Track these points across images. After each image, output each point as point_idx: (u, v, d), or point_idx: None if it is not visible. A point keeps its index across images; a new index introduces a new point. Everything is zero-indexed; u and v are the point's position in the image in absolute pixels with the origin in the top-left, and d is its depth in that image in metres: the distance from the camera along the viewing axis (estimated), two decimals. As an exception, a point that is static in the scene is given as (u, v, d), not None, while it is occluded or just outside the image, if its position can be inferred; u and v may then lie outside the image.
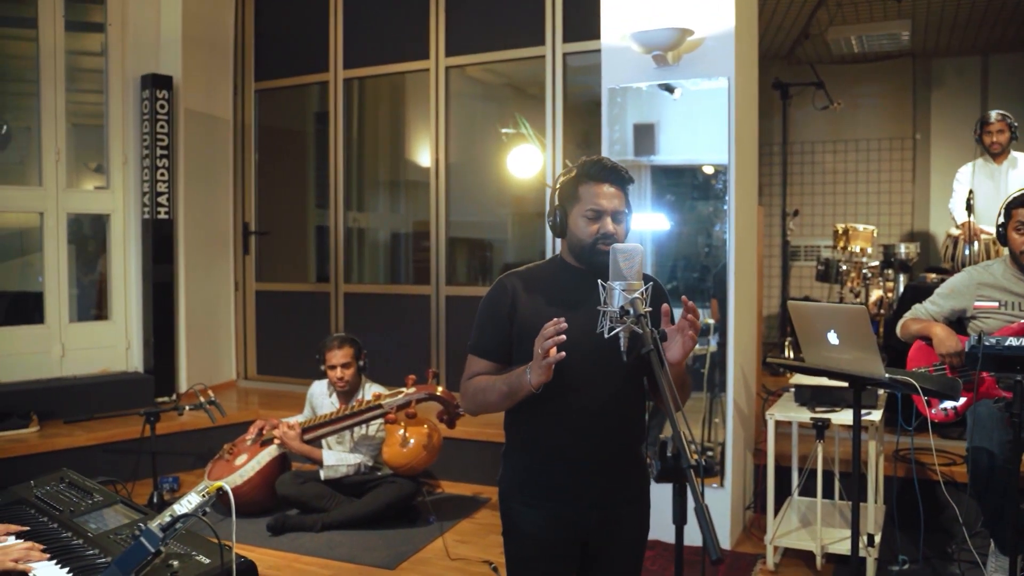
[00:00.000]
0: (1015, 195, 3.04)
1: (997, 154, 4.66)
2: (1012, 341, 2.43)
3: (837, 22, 6.51)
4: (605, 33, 3.63)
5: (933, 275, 4.71)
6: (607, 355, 1.68)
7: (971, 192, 4.51)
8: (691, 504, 1.38)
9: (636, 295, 1.59)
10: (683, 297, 1.70)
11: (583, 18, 4.61)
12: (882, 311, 5.59)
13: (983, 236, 4.51)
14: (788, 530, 3.32)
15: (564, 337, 1.62)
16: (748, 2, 3.78)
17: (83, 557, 1.91)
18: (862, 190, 7.57)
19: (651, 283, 1.74)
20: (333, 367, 3.89)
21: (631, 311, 1.58)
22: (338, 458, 3.87)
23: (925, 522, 3.15)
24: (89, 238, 5.45)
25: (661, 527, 2.21)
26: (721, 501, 3.48)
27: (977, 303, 3.07)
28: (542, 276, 1.91)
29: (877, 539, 3.05)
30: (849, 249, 5.70)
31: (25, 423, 4.43)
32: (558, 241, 1.96)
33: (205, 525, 1.76)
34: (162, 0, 5.42)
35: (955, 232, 4.76)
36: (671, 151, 3.67)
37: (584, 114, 4.89)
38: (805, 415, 3.20)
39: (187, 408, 4.18)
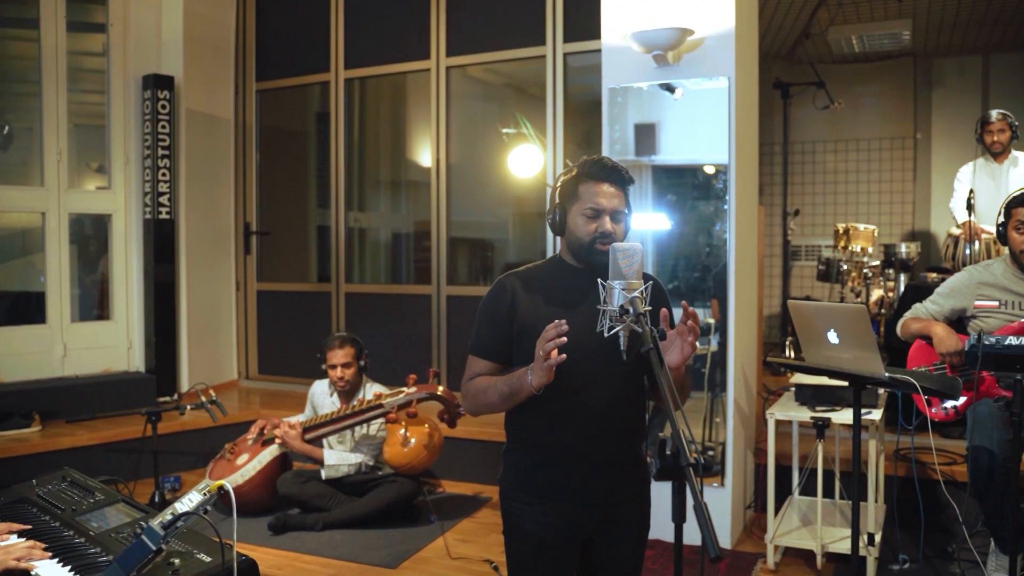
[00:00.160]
0: (1015, 194, 3.04)
1: (998, 153, 4.66)
2: (1012, 340, 2.43)
3: (838, 22, 6.51)
4: (605, 33, 3.64)
5: (934, 275, 4.71)
6: (607, 354, 1.68)
7: (972, 191, 4.51)
8: (690, 502, 1.39)
9: (636, 294, 1.60)
10: (683, 303, 1.70)
11: (584, 18, 4.61)
12: (883, 311, 5.59)
13: (984, 235, 4.51)
14: (788, 529, 3.33)
15: (565, 340, 1.62)
16: (748, 2, 3.78)
17: (85, 555, 1.92)
18: (863, 190, 7.57)
19: (651, 282, 1.74)
20: (334, 367, 3.90)
21: (630, 310, 1.58)
22: (339, 457, 3.88)
23: (925, 521, 3.16)
24: (91, 238, 5.46)
25: (661, 526, 2.22)
26: (722, 500, 3.48)
27: (977, 302, 3.07)
28: (541, 276, 1.92)
29: (877, 538, 3.05)
30: (850, 249, 5.70)
31: (27, 423, 4.44)
32: (559, 241, 1.96)
33: (206, 524, 1.76)
34: (163, 1, 5.43)
35: (956, 232, 4.76)
36: (672, 151, 3.67)
37: (585, 114, 4.89)
38: (805, 414, 3.20)
39: (188, 408, 4.19)
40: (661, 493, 1.79)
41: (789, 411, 3.26)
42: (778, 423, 3.29)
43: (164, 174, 5.28)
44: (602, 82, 3.66)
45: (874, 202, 7.52)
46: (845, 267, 5.72)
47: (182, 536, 1.88)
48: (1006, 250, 3.07)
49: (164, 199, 5.29)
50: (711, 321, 3.54)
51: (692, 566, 3.13)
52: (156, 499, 4.01)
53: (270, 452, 3.99)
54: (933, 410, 3.04)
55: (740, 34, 3.50)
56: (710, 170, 3.59)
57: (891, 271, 5.69)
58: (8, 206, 5.06)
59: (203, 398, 4.11)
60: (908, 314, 3.26)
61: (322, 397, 4.06)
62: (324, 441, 3.93)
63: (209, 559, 1.80)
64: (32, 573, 1.86)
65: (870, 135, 7.53)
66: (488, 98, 5.65)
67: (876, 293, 5.71)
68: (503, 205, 5.56)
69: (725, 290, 3.50)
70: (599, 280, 1.65)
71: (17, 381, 4.82)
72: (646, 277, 1.76)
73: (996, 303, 3.03)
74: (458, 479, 4.49)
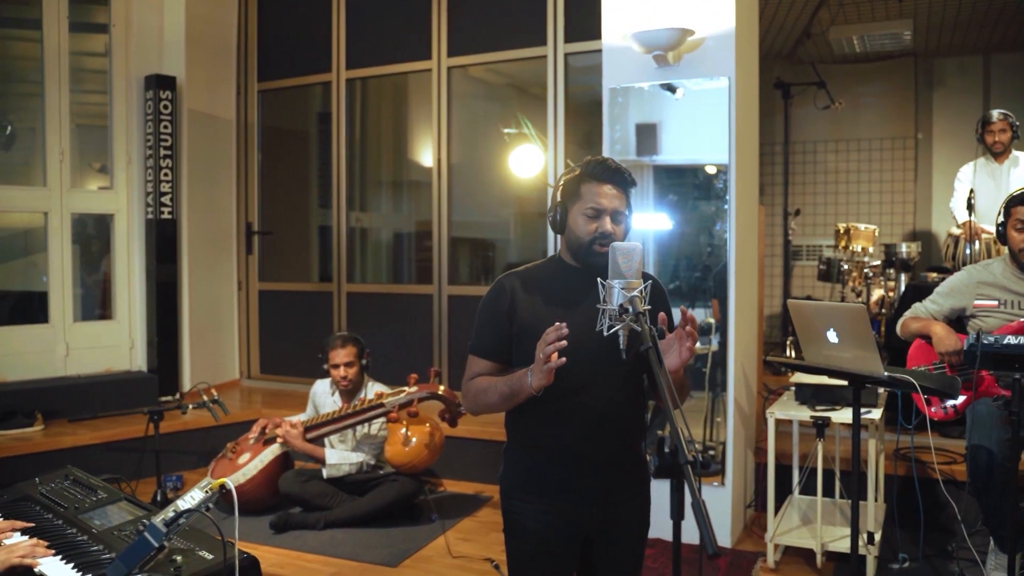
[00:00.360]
0: (1015, 194, 3.04)
1: (999, 153, 4.66)
2: (1011, 339, 2.43)
3: (839, 22, 6.51)
4: (606, 33, 3.64)
5: (934, 274, 4.71)
6: (607, 354, 1.69)
7: (972, 191, 4.51)
8: (689, 500, 1.40)
9: (635, 293, 1.60)
10: (682, 307, 1.71)
11: (584, 18, 4.62)
12: (883, 310, 5.59)
13: (984, 235, 4.51)
14: (788, 528, 3.33)
15: (565, 343, 1.63)
16: (749, 2, 3.78)
17: (88, 553, 1.93)
18: (864, 189, 7.57)
19: (650, 281, 1.75)
20: (336, 366, 3.91)
21: (630, 309, 1.59)
22: (340, 456, 3.89)
23: (925, 520, 3.16)
24: (93, 238, 5.47)
25: (661, 525, 2.21)
26: (722, 499, 3.49)
27: (976, 302, 3.07)
28: (540, 276, 1.93)
29: (877, 537, 3.06)
30: (851, 248, 5.70)
31: (30, 422, 4.46)
32: (559, 241, 1.97)
33: (209, 522, 1.76)
34: (165, 1, 5.44)
35: (956, 231, 4.76)
36: (673, 151, 3.68)
37: (586, 114, 4.90)
38: (805, 414, 3.21)
39: (191, 407, 4.19)
40: (660, 491, 1.80)
41: (789, 410, 3.27)
42: (778, 422, 3.30)
43: (166, 174, 5.29)
44: (603, 82, 3.66)
45: (875, 202, 7.52)
46: (846, 267, 5.72)
47: (184, 534, 1.90)
48: (1006, 250, 3.08)
49: (166, 199, 5.30)
50: (712, 321, 3.54)
51: (692, 564, 3.14)
52: (158, 498, 4.02)
53: (272, 451, 4.00)
54: (932, 409, 3.05)
55: (740, 34, 3.50)
56: (711, 170, 3.59)
57: (892, 271, 5.69)
58: (11, 206, 5.08)
59: (205, 397, 4.11)
60: (908, 313, 3.26)
61: (323, 396, 4.07)
62: (325, 440, 3.94)
63: (211, 557, 1.81)
64: (36, 571, 1.88)
65: (871, 135, 7.53)
66: (489, 98, 5.66)
67: (877, 293, 5.71)
68: (504, 205, 5.57)
69: (726, 290, 3.51)
70: (599, 279, 1.66)
71: (20, 380, 4.83)
72: (645, 276, 1.76)
73: (995, 302, 3.03)
74: (459, 478, 4.50)
